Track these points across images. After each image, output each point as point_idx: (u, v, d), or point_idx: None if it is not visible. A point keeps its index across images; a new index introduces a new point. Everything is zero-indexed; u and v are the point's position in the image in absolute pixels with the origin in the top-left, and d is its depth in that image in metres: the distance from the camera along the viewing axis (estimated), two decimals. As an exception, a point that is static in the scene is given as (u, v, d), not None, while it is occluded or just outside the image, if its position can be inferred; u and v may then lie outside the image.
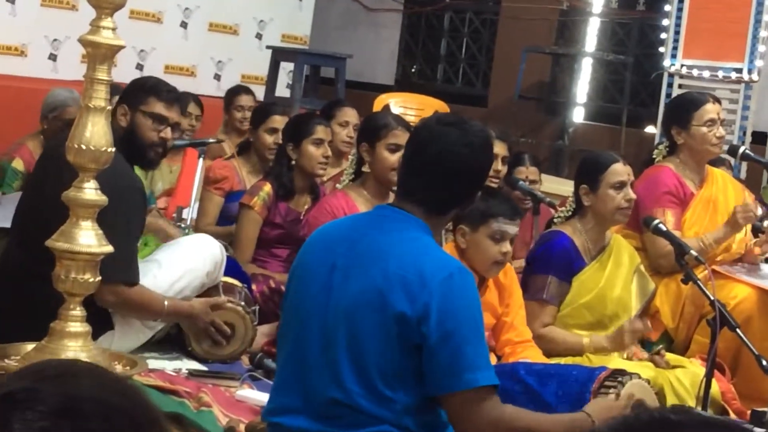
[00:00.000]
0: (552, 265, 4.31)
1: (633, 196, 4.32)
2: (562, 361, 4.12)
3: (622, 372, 3.56)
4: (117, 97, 4.08)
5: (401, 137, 4.56)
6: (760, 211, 4.83)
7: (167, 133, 4.06)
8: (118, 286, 3.82)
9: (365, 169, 4.67)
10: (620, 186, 4.31)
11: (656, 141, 7.54)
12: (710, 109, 4.89)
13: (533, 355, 4.05)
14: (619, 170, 4.33)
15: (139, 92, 4.07)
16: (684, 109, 4.95)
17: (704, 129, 4.86)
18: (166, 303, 4.03)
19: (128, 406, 1.09)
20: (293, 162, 5.01)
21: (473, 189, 2.90)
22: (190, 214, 5.23)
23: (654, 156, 5.04)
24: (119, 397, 1.09)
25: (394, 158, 4.54)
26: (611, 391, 3.38)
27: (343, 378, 2.69)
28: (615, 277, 4.40)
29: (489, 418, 2.67)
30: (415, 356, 2.67)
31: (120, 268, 3.77)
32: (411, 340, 2.65)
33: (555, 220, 4.51)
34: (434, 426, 2.76)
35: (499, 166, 5.20)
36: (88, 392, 1.07)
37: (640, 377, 3.58)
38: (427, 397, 2.71)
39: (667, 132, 5.05)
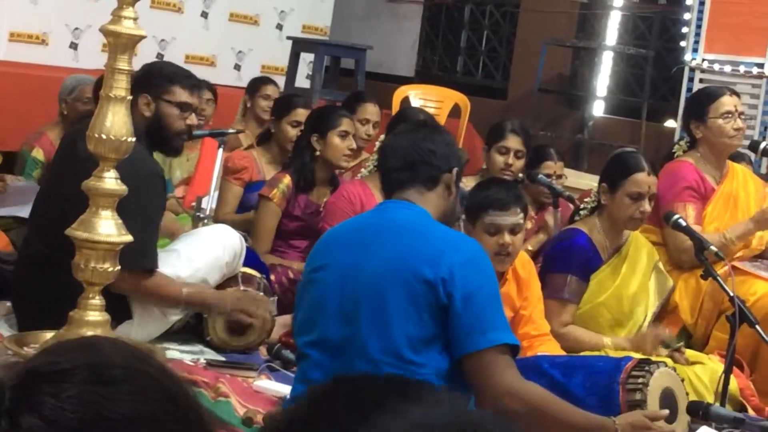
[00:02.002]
0: (571, 263, 4.29)
1: (648, 209, 4.28)
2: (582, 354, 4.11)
3: (648, 361, 3.54)
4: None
5: None
6: None
7: (193, 119, 4.10)
8: (134, 273, 3.82)
9: None
10: (637, 197, 4.26)
11: (676, 135, 7.50)
12: (727, 102, 4.87)
13: (551, 349, 4.03)
14: (641, 181, 4.26)
15: (160, 81, 4.07)
16: (701, 102, 4.94)
17: (721, 121, 4.84)
18: (184, 291, 4.03)
19: (154, 372, 1.08)
20: (317, 153, 5.00)
21: (444, 151, 3.02)
22: (209, 203, 5.24)
23: (674, 151, 5.02)
24: (143, 363, 1.09)
25: None
26: (640, 381, 3.36)
27: (368, 349, 2.77)
28: (631, 275, 4.38)
29: (509, 383, 2.75)
30: (441, 319, 2.77)
31: (137, 256, 3.77)
32: (437, 302, 2.76)
33: (581, 212, 4.48)
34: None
35: (510, 159, 5.19)
36: (113, 360, 1.07)
37: (666, 365, 3.57)
38: (452, 361, 2.78)
39: (686, 127, 5.03)
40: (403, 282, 2.78)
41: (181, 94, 4.05)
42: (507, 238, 3.81)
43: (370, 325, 2.79)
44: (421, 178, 2.99)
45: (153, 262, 3.93)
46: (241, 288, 4.29)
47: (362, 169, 4.99)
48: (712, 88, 5.31)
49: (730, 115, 4.85)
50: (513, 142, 5.29)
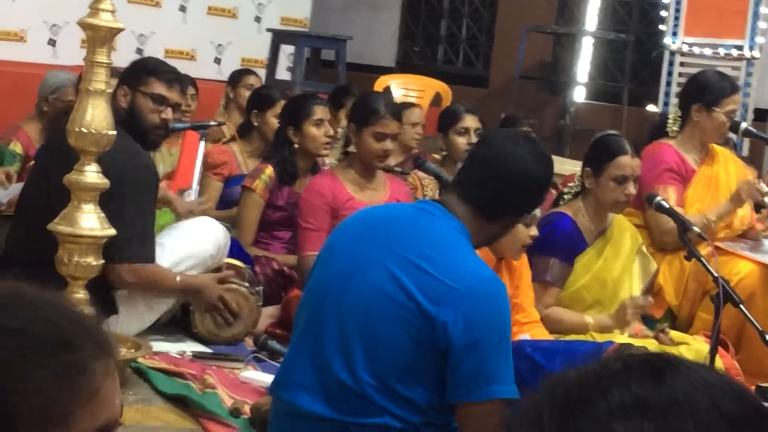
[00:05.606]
0: (555, 246, 4.29)
1: (633, 191, 4.27)
2: (567, 338, 4.12)
3: (629, 346, 3.55)
4: (116, 80, 4.07)
5: (389, 126, 4.56)
6: (766, 188, 4.81)
7: (168, 113, 4.04)
8: (133, 265, 3.82)
9: (352, 148, 4.66)
10: (622, 180, 4.25)
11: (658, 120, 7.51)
12: (735, 101, 4.95)
13: (539, 335, 4.04)
14: (624, 164, 4.26)
15: (139, 73, 4.06)
16: (715, 91, 4.89)
17: (724, 118, 4.87)
18: (178, 278, 4.03)
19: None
20: (295, 145, 5.00)
21: (527, 203, 2.86)
22: (193, 197, 5.23)
23: (668, 130, 4.98)
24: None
25: (379, 146, 4.54)
26: None
27: (356, 365, 2.66)
28: (615, 258, 4.39)
29: None
30: (433, 357, 2.62)
31: (135, 247, 3.77)
32: (435, 343, 2.60)
33: (564, 196, 4.48)
34: (441, 428, 2.72)
35: (472, 138, 5.33)
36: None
37: (647, 350, 3.58)
38: (442, 400, 2.67)
39: (685, 105, 4.97)
40: (401, 312, 2.62)
41: (157, 87, 4.02)
42: (536, 230, 3.84)
43: (359, 341, 2.66)
44: (484, 207, 2.77)
45: (150, 254, 3.92)
46: (229, 271, 4.29)
47: (328, 159, 4.96)
48: (730, 80, 5.19)
49: (732, 114, 4.91)
50: (470, 121, 5.51)
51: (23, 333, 1.06)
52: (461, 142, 5.45)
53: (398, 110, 4.74)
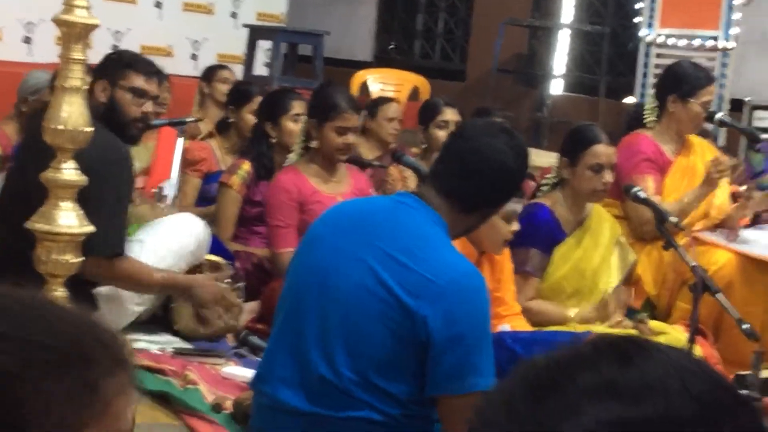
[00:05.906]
0: (534, 237, 4.30)
1: (610, 179, 4.29)
2: (546, 329, 4.14)
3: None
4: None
5: (350, 120, 4.53)
6: (732, 162, 4.83)
7: (148, 106, 4.03)
8: (104, 259, 3.81)
9: (313, 144, 4.62)
10: (598, 169, 4.27)
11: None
12: (711, 91, 4.99)
13: (519, 326, 4.05)
14: (600, 152, 4.28)
15: (117, 67, 4.04)
16: (691, 82, 4.92)
17: (699, 108, 4.90)
18: (155, 275, 4.00)
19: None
20: (272, 140, 5.00)
21: (503, 195, 2.88)
22: (172, 192, 5.22)
23: (645, 120, 5.01)
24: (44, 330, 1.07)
25: (341, 140, 4.50)
26: None
27: (336, 360, 2.67)
28: (593, 248, 4.41)
29: None
30: (413, 351, 2.63)
31: (103, 242, 3.76)
32: (415, 337, 2.61)
33: (542, 188, 4.50)
34: (422, 420, 2.74)
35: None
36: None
37: None
38: (422, 393, 2.68)
39: (662, 96, 5.01)
40: (381, 306, 2.62)
41: (136, 80, 4.01)
42: (517, 225, 3.83)
43: (340, 336, 2.66)
44: (460, 199, 2.78)
45: (120, 246, 3.91)
46: (225, 272, 4.29)
47: (289, 155, 4.92)
48: (705, 71, 5.22)
49: (707, 105, 4.94)
50: (450, 114, 5.56)
51: (45, 346, 1.05)
52: (441, 135, 5.47)
53: (357, 104, 4.73)
